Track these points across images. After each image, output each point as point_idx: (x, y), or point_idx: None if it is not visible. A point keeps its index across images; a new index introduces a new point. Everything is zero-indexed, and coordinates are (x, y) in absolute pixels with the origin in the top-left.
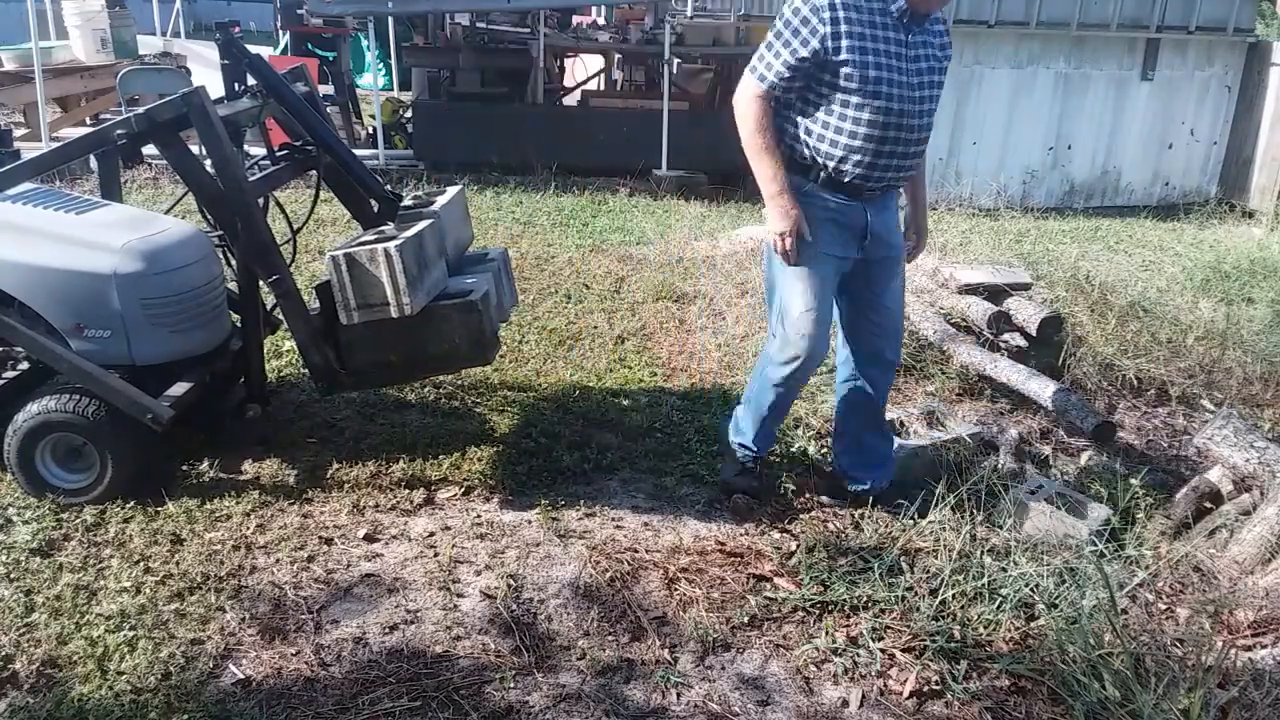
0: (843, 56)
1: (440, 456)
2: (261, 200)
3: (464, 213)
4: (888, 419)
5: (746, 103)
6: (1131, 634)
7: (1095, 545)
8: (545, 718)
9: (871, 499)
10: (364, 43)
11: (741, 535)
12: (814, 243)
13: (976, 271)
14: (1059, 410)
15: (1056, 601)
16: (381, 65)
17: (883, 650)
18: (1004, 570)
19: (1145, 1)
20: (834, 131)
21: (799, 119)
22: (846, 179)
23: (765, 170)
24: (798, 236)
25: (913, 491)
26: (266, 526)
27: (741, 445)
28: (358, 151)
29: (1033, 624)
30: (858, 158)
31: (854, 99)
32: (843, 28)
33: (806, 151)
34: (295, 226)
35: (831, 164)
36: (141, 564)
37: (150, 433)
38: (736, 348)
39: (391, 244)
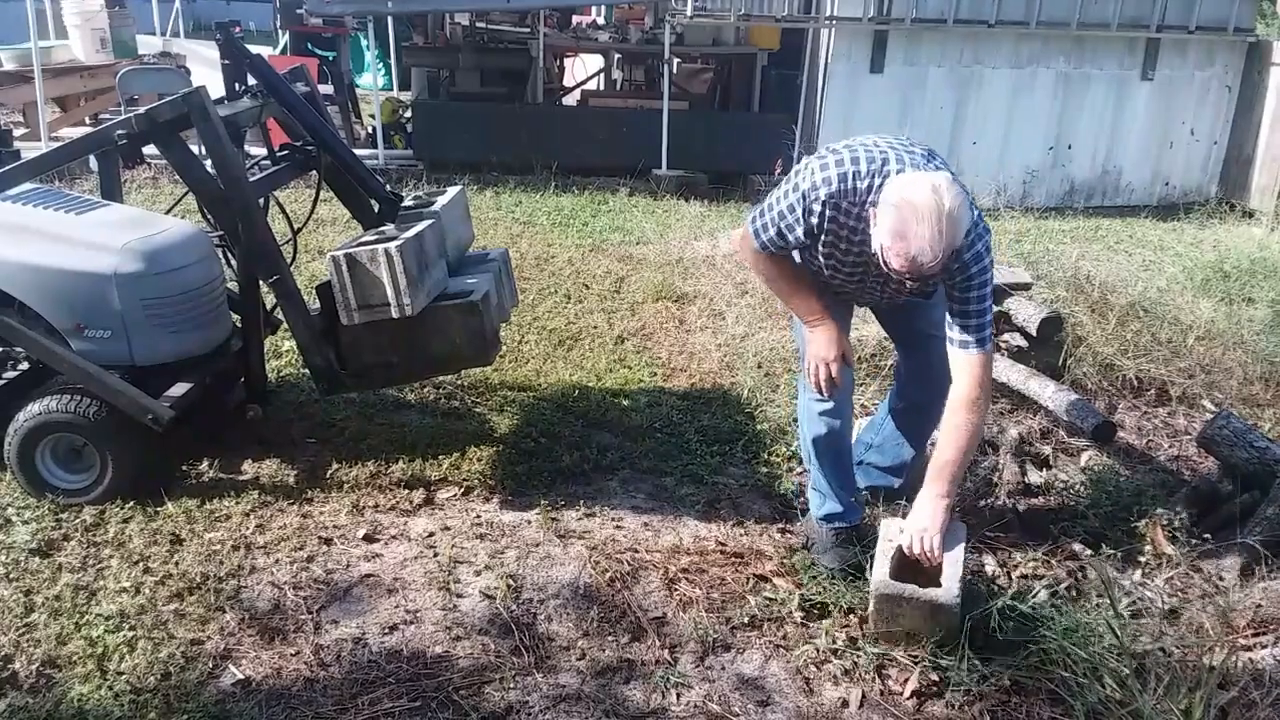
0: (818, 249)
1: (440, 456)
2: (262, 200)
3: (464, 213)
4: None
5: (752, 259)
6: (1131, 634)
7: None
8: (545, 718)
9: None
10: (364, 42)
11: (741, 535)
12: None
13: None
14: (1059, 410)
15: (1059, 605)
16: (381, 65)
17: (882, 651)
18: (1007, 573)
19: (1145, 1)
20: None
21: None
22: None
23: (798, 307)
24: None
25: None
26: (266, 527)
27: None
28: (357, 151)
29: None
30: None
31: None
32: (827, 228)
33: None
34: (296, 226)
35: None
36: (141, 564)
37: (151, 433)
38: (736, 348)
39: (392, 244)
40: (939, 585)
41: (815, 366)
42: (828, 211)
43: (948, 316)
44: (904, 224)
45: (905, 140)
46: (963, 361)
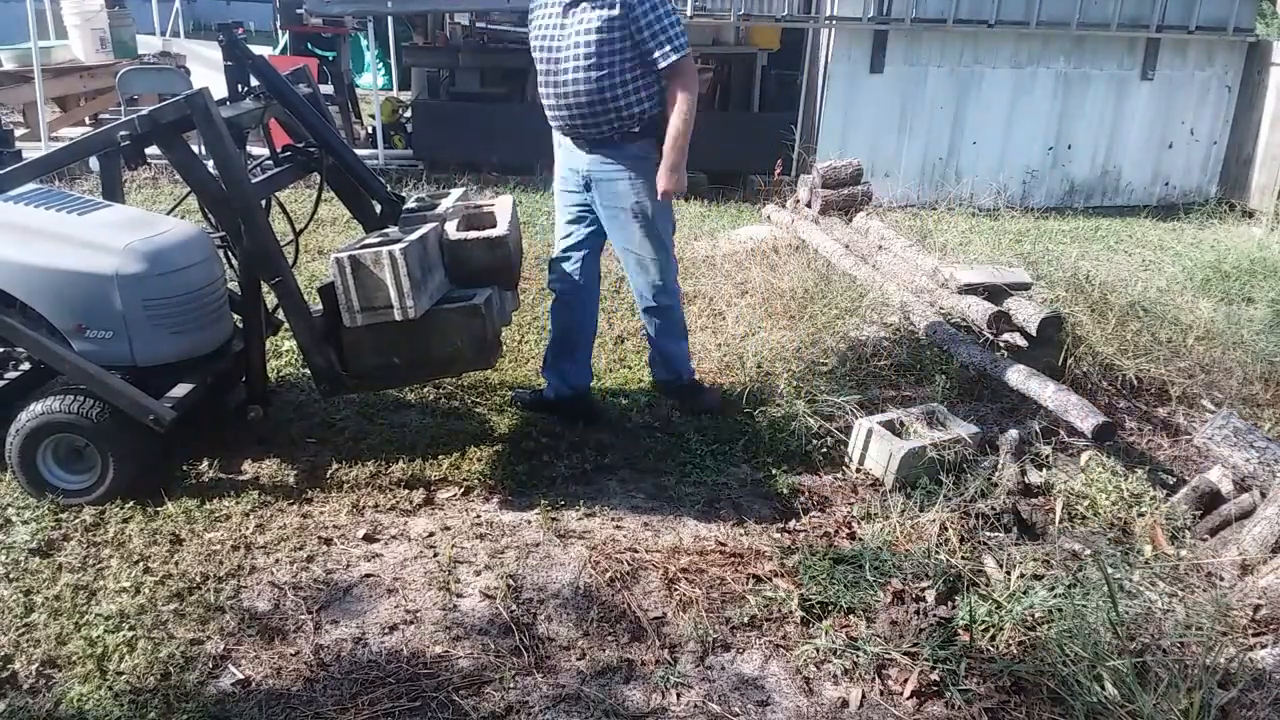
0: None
1: (440, 456)
2: (263, 201)
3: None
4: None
5: (697, 85)
6: (1131, 634)
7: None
8: (545, 718)
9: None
10: (363, 42)
11: (741, 535)
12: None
13: (976, 271)
14: (1059, 410)
15: (1059, 605)
16: (381, 65)
17: (882, 651)
18: (1006, 573)
19: (1145, 1)
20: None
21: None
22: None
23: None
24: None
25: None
26: (266, 526)
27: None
28: (357, 151)
29: (1034, 632)
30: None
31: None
32: (533, 14)
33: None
34: (297, 227)
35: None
36: (141, 564)
37: (152, 434)
38: (736, 348)
39: (396, 247)
40: None
41: (667, 196)
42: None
43: (642, 41)
44: None
45: None
46: (675, 68)
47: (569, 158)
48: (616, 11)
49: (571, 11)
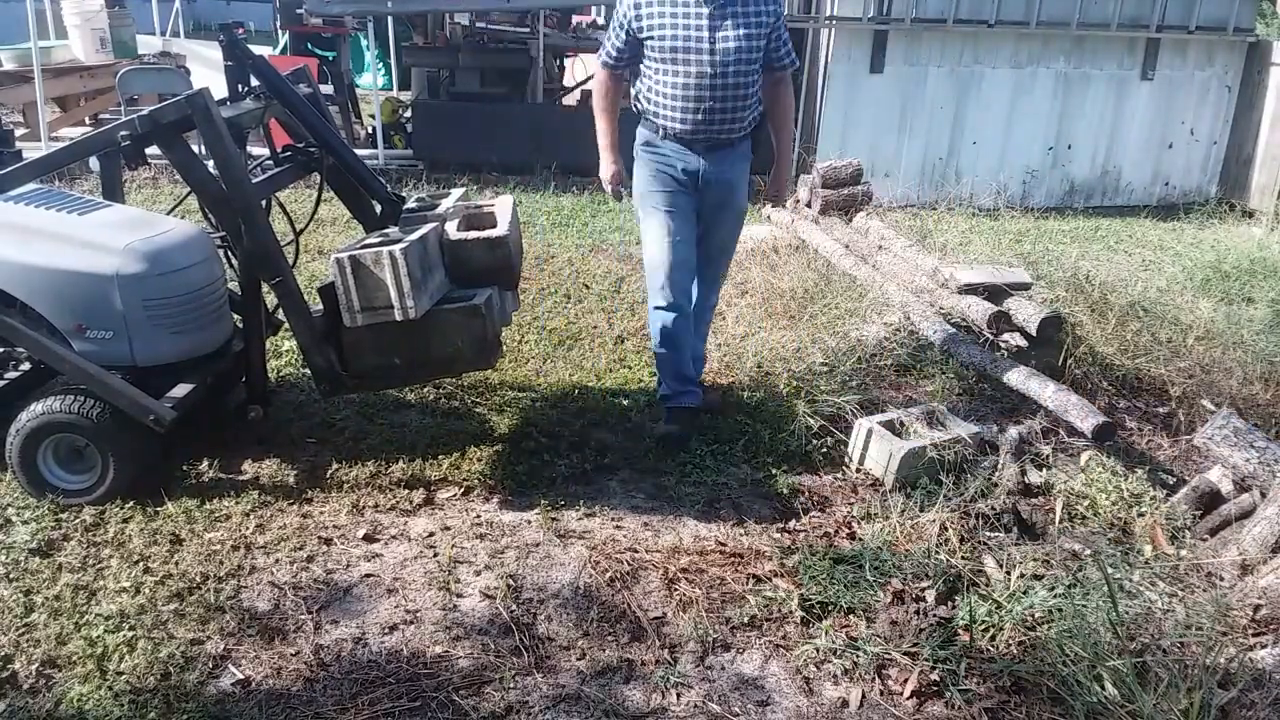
0: (653, 40)
1: (440, 456)
2: (264, 201)
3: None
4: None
5: (596, 81)
6: (1131, 634)
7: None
8: (545, 718)
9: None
10: (363, 42)
11: (741, 535)
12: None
13: (976, 271)
14: (1059, 410)
15: (1059, 605)
16: (381, 65)
17: (882, 651)
18: (1006, 573)
19: (1145, 1)
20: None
21: (638, 82)
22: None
23: (600, 128)
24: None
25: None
26: (266, 526)
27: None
28: (357, 151)
29: (1034, 632)
30: (680, 114)
31: (665, 66)
32: (643, 9)
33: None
34: (298, 227)
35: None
36: (141, 564)
37: (152, 434)
38: (736, 348)
39: (396, 247)
40: None
41: (606, 182)
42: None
43: (775, 48)
44: None
45: None
46: (785, 80)
47: (679, 159)
48: (771, 16)
49: (727, 9)
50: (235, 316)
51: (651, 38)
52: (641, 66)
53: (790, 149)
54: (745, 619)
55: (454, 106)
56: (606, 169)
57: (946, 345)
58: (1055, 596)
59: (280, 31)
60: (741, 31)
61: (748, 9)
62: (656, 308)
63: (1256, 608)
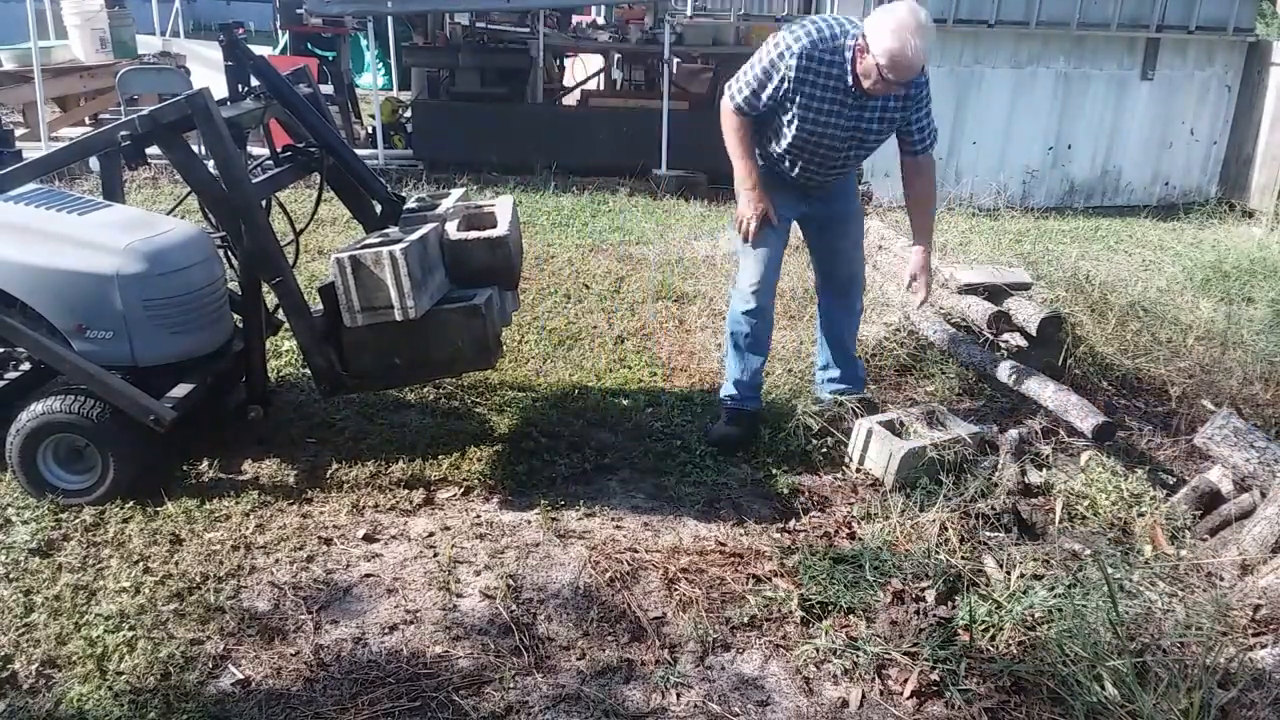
0: (791, 107)
1: (440, 456)
2: (264, 201)
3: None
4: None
5: (725, 118)
6: (1132, 634)
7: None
8: (545, 718)
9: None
10: (363, 42)
11: (741, 535)
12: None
13: (976, 271)
14: (1059, 410)
15: (1059, 605)
16: (381, 65)
17: (882, 651)
18: (1006, 573)
19: (1145, 1)
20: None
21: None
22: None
23: (739, 168)
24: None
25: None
26: (266, 526)
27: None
28: (357, 151)
29: (1034, 632)
30: (786, 164)
31: (790, 131)
32: (800, 79)
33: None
34: (298, 227)
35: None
36: (141, 564)
37: (152, 434)
38: None
39: (396, 247)
40: None
41: (744, 221)
42: (802, 63)
43: (909, 134)
44: (901, 41)
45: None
46: (924, 161)
47: (793, 197)
48: (906, 106)
49: (868, 103)
50: (235, 316)
51: (791, 106)
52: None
53: (929, 234)
54: (745, 619)
55: (454, 106)
56: (753, 205)
57: (946, 345)
58: (1055, 596)
59: (280, 31)
60: (874, 128)
61: (888, 103)
62: (745, 311)
63: (1256, 608)
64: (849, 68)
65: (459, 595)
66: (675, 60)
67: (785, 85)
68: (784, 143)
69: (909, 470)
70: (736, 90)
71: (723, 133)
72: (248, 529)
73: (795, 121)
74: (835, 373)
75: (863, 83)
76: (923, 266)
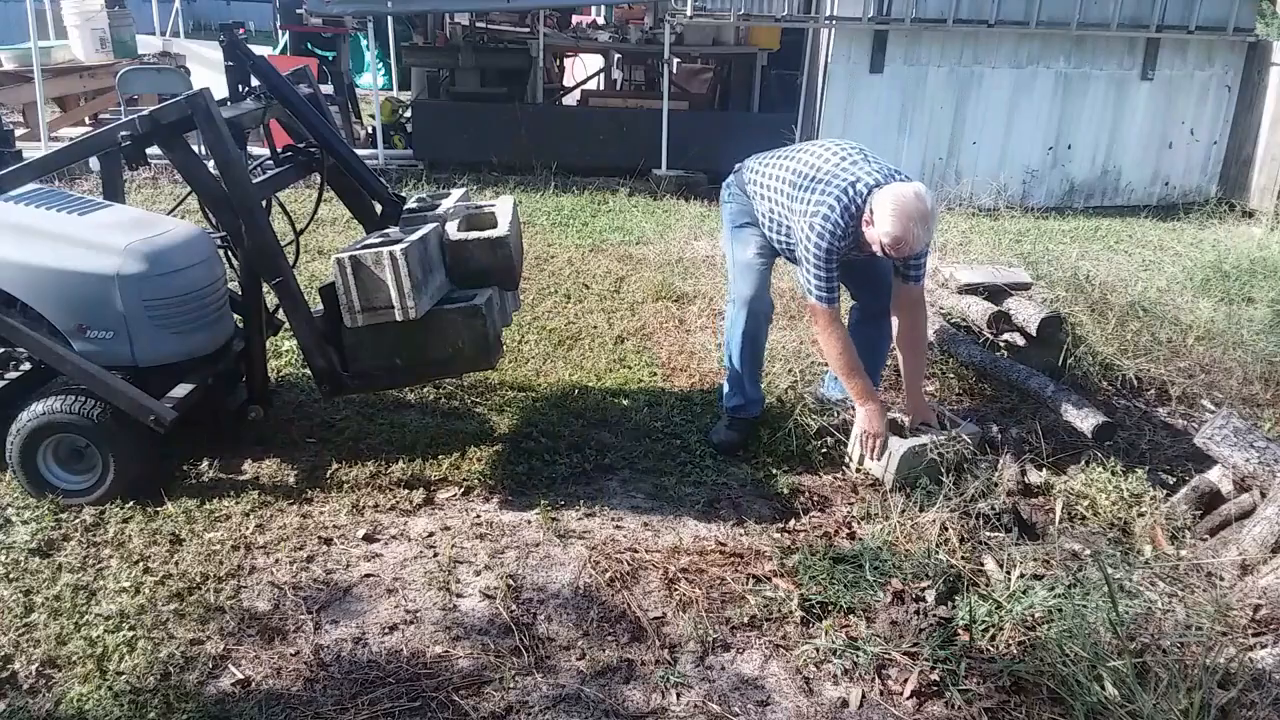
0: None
1: (440, 456)
2: (264, 201)
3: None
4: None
5: (824, 327)
6: (1132, 634)
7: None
8: (545, 718)
9: None
10: (363, 42)
11: (741, 535)
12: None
13: (976, 271)
14: (1059, 410)
15: (1059, 605)
16: (381, 65)
17: (882, 651)
18: (1006, 573)
19: (1145, 1)
20: None
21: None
22: None
23: (854, 387)
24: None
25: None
26: (266, 527)
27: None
28: (357, 151)
29: (1034, 632)
30: None
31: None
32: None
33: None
34: (298, 227)
35: None
36: (141, 564)
37: (152, 434)
38: None
39: (396, 247)
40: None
41: (867, 439)
42: (838, 244)
43: (907, 270)
44: (905, 229)
45: (853, 149)
46: (915, 291)
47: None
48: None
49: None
50: (236, 317)
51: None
52: (783, 186)
53: (921, 373)
54: (745, 619)
55: (454, 106)
56: (875, 421)
57: (946, 345)
58: (1055, 596)
59: (280, 31)
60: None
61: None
62: (745, 320)
63: (1256, 608)
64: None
65: (459, 595)
66: (675, 60)
67: (835, 264)
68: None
69: (909, 469)
70: (816, 289)
71: (822, 345)
72: (248, 529)
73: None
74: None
75: (865, 246)
76: (920, 409)
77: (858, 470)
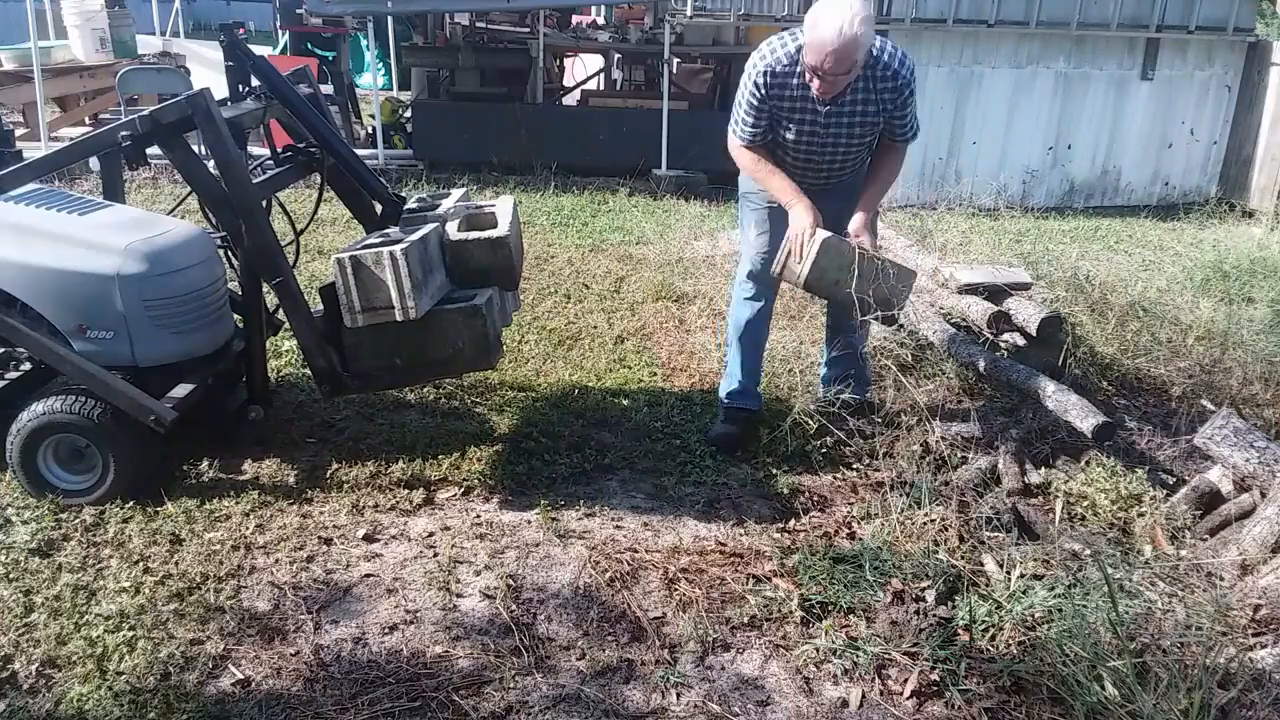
0: (778, 125)
1: (440, 456)
2: (264, 201)
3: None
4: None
5: (737, 155)
6: (1131, 634)
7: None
8: (545, 718)
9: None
10: (363, 42)
11: (741, 535)
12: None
13: (976, 271)
14: (1059, 410)
15: (1059, 605)
16: (381, 65)
17: (882, 651)
18: (1006, 573)
19: (1145, 1)
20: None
21: None
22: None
23: (777, 187)
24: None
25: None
26: (266, 527)
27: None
28: (357, 151)
29: (1034, 632)
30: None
31: (787, 141)
32: (771, 95)
33: None
34: (298, 227)
35: None
36: (141, 564)
37: (152, 434)
38: None
39: (397, 247)
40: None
41: (796, 235)
42: (766, 80)
43: (891, 129)
44: (814, 19)
45: None
46: (900, 146)
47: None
48: (888, 105)
49: (844, 108)
50: (236, 317)
51: (778, 124)
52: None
53: (874, 203)
54: (745, 619)
55: (454, 106)
56: (804, 217)
57: (947, 345)
58: (1055, 596)
59: (280, 31)
60: (856, 131)
61: (868, 107)
62: (745, 298)
63: (1256, 608)
64: (806, 78)
65: (459, 595)
66: (675, 60)
67: (765, 107)
68: (782, 153)
69: (828, 264)
70: (735, 128)
71: (742, 169)
72: (248, 529)
73: (787, 134)
74: (840, 371)
75: (814, 90)
76: (861, 227)
77: (779, 274)
